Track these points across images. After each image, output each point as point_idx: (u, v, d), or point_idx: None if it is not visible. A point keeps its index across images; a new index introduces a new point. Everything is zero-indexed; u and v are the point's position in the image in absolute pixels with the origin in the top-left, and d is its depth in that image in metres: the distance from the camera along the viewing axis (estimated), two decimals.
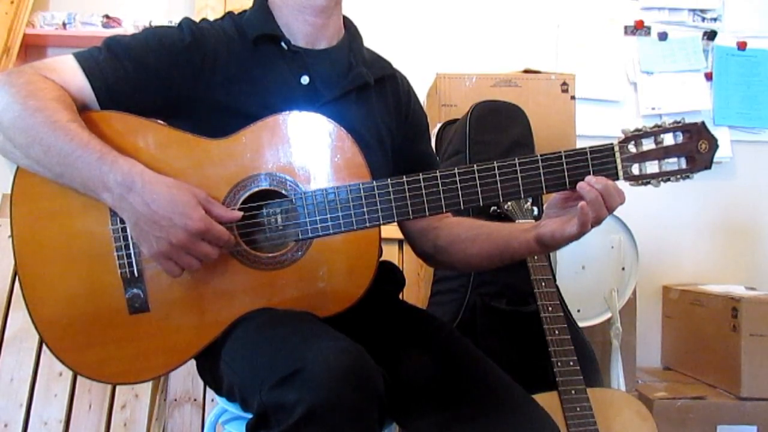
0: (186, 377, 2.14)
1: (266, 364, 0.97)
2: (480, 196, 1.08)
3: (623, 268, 2.23)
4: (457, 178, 1.08)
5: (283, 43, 1.22)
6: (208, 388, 2.11)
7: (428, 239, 1.31)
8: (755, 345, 2.25)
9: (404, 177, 1.09)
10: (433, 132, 2.14)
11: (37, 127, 1.01)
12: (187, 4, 2.70)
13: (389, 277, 1.33)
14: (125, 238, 1.08)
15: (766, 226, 2.92)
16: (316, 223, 1.09)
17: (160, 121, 1.15)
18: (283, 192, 1.11)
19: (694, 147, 1.09)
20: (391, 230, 1.77)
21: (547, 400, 1.49)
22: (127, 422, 2.06)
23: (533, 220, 1.67)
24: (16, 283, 2.05)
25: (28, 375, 2.05)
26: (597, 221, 1.04)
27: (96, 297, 1.09)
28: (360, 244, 1.12)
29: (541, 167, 1.07)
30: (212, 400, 2.12)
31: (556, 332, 1.63)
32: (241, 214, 1.08)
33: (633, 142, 1.09)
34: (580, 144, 1.19)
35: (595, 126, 2.71)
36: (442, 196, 1.08)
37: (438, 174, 1.08)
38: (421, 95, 2.25)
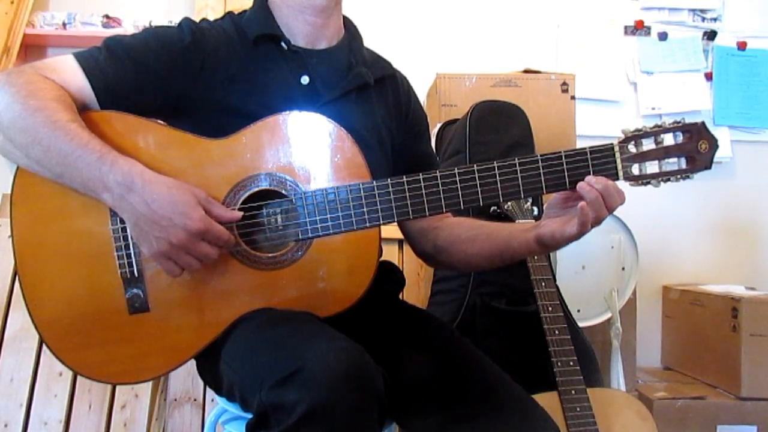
0: (186, 377, 2.14)
1: (266, 364, 0.97)
2: (480, 196, 1.08)
3: (623, 268, 2.23)
4: (457, 178, 1.08)
5: (283, 43, 1.22)
6: (208, 388, 2.11)
7: (428, 239, 1.31)
8: (755, 345, 2.25)
9: (404, 177, 1.09)
10: (433, 132, 2.14)
11: (37, 127, 1.01)
12: (187, 4, 2.70)
13: (389, 277, 1.33)
14: (125, 238, 1.08)
15: (766, 226, 2.92)
16: (316, 223, 1.09)
17: (160, 121, 1.15)
18: (283, 192, 1.11)
19: (694, 147, 1.09)
20: (391, 230, 1.77)
21: (547, 400, 1.49)
22: (127, 422, 2.06)
23: (533, 220, 1.67)
24: (16, 283, 2.05)
25: (28, 375, 2.05)
26: (597, 221, 1.04)
27: (96, 297, 1.09)
28: (360, 244, 1.12)
29: (541, 167, 1.07)
30: (212, 400, 2.12)
31: (556, 332, 1.63)
32: (241, 214, 1.08)
33: (633, 142, 1.09)
34: (580, 144, 1.19)
35: (595, 126, 2.71)
36: (442, 196, 1.08)
37: (438, 174, 1.08)
38: (421, 95, 2.25)
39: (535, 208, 1.71)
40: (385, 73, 1.33)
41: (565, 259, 2.14)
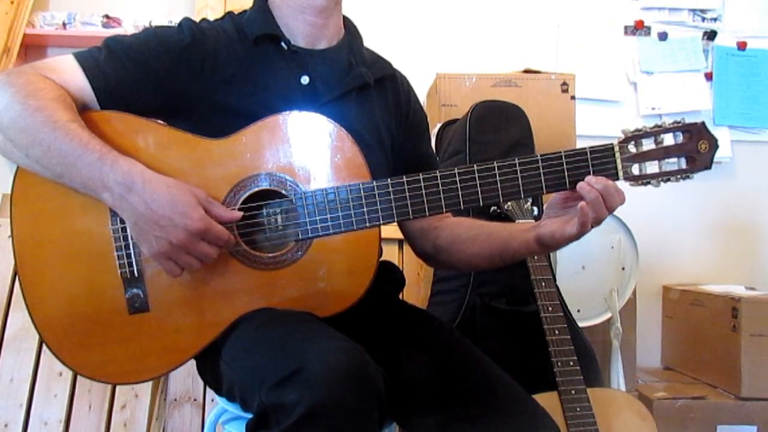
0: (186, 377, 2.14)
1: (266, 364, 0.97)
2: (480, 196, 1.08)
3: (623, 268, 2.23)
4: (457, 178, 1.08)
5: (283, 43, 1.22)
6: (208, 388, 2.11)
7: (428, 239, 1.31)
8: (755, 345, 2.25)
9: (404, 177, 1.09)
10: (433, 132, 2.14)
11: (37, 127, 1.01)
12: (187, 4, 2.70)
13: (389, 277, 1.33)
14: (125, 238, 1.08)
15: (766, 226, 2.92)
16: (316, 223, 1.09)
17: (160, 121, 1.15)
18: (283, 192, 1.11)
19: (694, 147, 1.09)
20: (391, 230, 1.77)
21: (547, 400, 1.49)
22: (127, 422, 2.06)
23: (533, 220, 1.67)
24: (16, 283, 2.05)
25: (28, 375, 2.05)
26: (597, 221, 1.04)
27: (96, 297, 1.09)
28: (360, 244, 1.12)
29: (541, 167, 1.07)
30: (212, 400, 2.12)
31: (556, 332, 1.63)
32: (241, 214, 1.08)
33: (633, 142, 1.09)
34: (580, 144, 1.19)
35: (595, 126, 2.71)
36: (442, 196, 1.08)
37: (438, 174, 1.08)
38: (421, 95, 2.24)
39: (535, 208, 1.71)
40: (385, 73, 1.33)
41: (565, 259, 2.14)
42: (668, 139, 1.09)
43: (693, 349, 2.56)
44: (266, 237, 1.13)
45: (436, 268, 1.90)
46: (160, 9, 2.72)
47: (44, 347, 1.44)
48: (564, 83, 2.25)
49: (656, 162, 1.09)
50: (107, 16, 2.59)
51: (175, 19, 1.33)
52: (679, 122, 1.09)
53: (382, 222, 1.10)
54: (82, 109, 1.09)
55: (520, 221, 1.67)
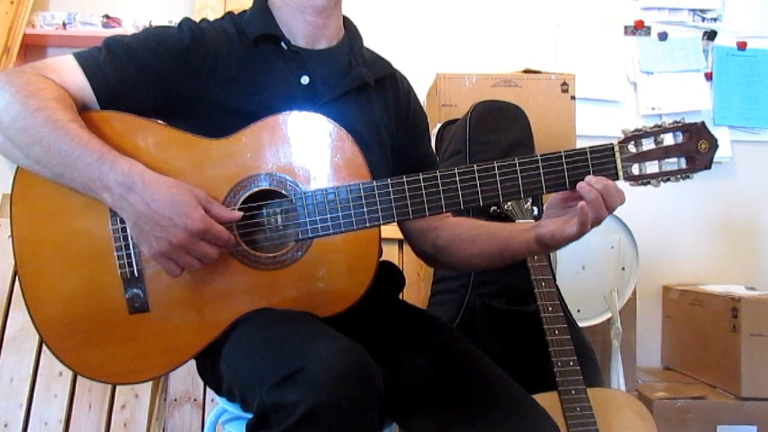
0: (186, 377, 2.14)
1: (266, 364, 0.97)
2: (480, 196, 1.08)
3: (623, 268, 2.23)
4: (457, 178, 1.08)
5: (283, 43, 1.22)
6: (208, 388, 2.11)
7: (428, 239, 1.31)
8: (755, 345, 2.25)
9: (404, 177, 1.09)
10: (433, 132, 2.14)
11: (37, 127, 1.01)
12: (187, 4, 2.70)
13: (389, 277, 1.33)
14: (125, 238, 1.08)
15: (766, 226, 2.92)
16: (316, 223, 1.09)
17: (160, 121, 1.15)
18: (283, 192, 1.11)
19: (694, 147, 1.09)
20: (391, 230, 1.77)
21: (547, 400, 1.49)
22: (127, 422, 2.06)
23: (533, 220, 1.67)
24: (16, 283, 2.05)
25: (28, 375, 2.05)
26: (597, 221, 1.04)
27: (96, 297, 1.09)
28: (360, 244, 1.12)
29: (541, 167, 1.07)
30: (212, 400, 2.12)
31: (556, 332, 1.63)
32: (241, 214, 1.08)
33: (633, 142, 1.09)
34: (580, 144, 1.19)
35: (595, 126, 2.71)
36: (442, 196, 1.08)
37: (438, 174, 1.08)
38: (421, 95, 2.25)
39: (535, 208, 1.71)
40: (385, 73, 1.33)
41: (565, 259, 2.14)
42: (668, 139, 1.09)
43: (693, 349, 2.56)
44: (266, 237, 1.13)
45: (436, 268, 1.90)
46: (160, 9, 2.72)
47: (44, 347, 1.44)
48: (564, 83, 2.25)
49: (656, 162, 1.09)
50: (107, 16, 2.59)
51: (175, 19, 1.33)
52: (679, 122, 1.09)
53: (382, 222, 1.10)
54: (82, 109, 1.09)
55: (520, 221, 1.67)
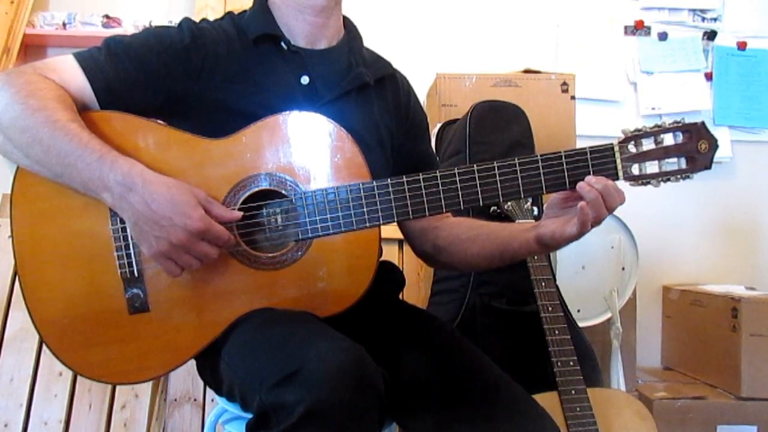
0: (186, 377, 2.14)
1: (266, 364, 0.97)
2: (480, 196, 1.08)
3: (623, 268, 2.23)
4: (457, 178, 1.08)
5: (283, 43, 1.22)
6: (208, 388, 2.11)
7: (428, 239, 1.31)
8: (755, 345, 2.25)
9: (404, 177, 1.09)
10: (433, 132, 2.14)
11: (37, 127, 1.01)
12: (187, 4, 2.70)
13: (389, 277, 1.33)
14: (125, 238, 1.08)
15: (766, 226, 2.92)
16: (316, 223, 1.09)
17: (160, 121, 1.15)
18: (283, 192, 1.11)
19: (694, 147, 1.09)
20: (391, 230, 1.77)
21: (547, 400, 1.49)
22: (127, 422, 2.06)
23: (533, 220, 1.67)
24: (16, 283, 2.05)
25: (28, 375, 2.05)
26: (597, 221, 1.04)
27: (96, 297, 1.09)
28: (360, 244, 1.12)
29: (541, 167, 1.07)
30: (212, 400, 2.12)
31: (556, 332, 1.63)
32: (241, 214, 1.08)
33: (633, 142, 1.09)
34: (580, 144, 1.19)
35: (595, 126, 2.71)
36: (442, 196, 1.08)
37: (438, 174, 1.08)
38: (421, 95, 2.25)
39: (535, 208, 1.71)
40: (385, 73, 1.33)
41: (565, 259, 2.14)
42: (668, 139, 1.09)
43: (693, 349, 2.56)
44: (266, 237, 1.13)
45: (436, 268, 1.90)
46: (160, 9, 2.72)
47: (44, 347, 1.44)
48: (564, 83, 2.25)
49: (656, 162, 1.09)
50: (107, 16, 2.59)
51: (175, 19, 1.33)
52: (679, 122, 1.09)
53: (382, 222, 1.10)
54: (82, 109, 1.09)
55: (520, 221, 1.67)
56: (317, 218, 1.09)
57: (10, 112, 1.02)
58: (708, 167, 1.09)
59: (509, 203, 1.69)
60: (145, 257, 1.07)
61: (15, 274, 2.10)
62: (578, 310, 2.13)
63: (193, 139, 1.12)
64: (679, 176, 1.09)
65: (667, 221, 2.86)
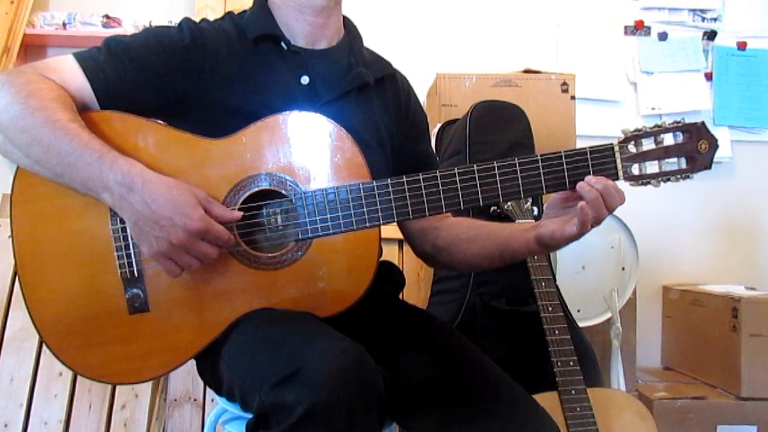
0: (186, 377, 2.14)
1: (266, 364, 0.97)
2: (480, 196, 1.08)
3: (623, 268, 2.23)
4: (457, 178, 1.08)
5: (283, 43, 1.22)
6: (208, 388, 2.11)
7: (428, 239, 1.31)
8: (755, 345, 2.25)
9: (404, 177, 1.09)
10: (433, 132, 2.14)
11: (37, 127, 1.01)
12: (187, 4, 2.70)
13: (389, 277, 1.33)
14: (125, 238, 1.08)
15: (766, 226, 2.92)
16: (316, 223, 1.09)
17: (160, 121, 1.15)
18: (283, 192, 1.11)
19: (694, 147, 1.09)
20: (391, 230, 1.77)
21: (547, 400, 1.49)
22: (127, 422, 2.06)
23: (533, 220, 1.67)
24: (16, 283, 2.05)
25: (28, 375, 2.05)
26: (597, 221, 1.04)
27: (96, 297, 1.09)
28: (360, 244, 1.12)
29: (541, 167, 1.07)
30: (212, 400, 2.12)
31: (556, 332, 1.63)
32: (241, 214, 1.08)
33: (633, 142, 1.09)
34: (580, 144, 1.19)
35: (595, 126, 2.71)
36: (442, 196, 1.08)
37: (438, 174, 1.08)
38: (421, 95, 2.24)
39: (535, 208, 1.71)
40: (385, 73, 1.33)
41: (565, 259, 2.14)
42: (668, 139, 1.09)
43: (693, 349, 2.57)
44: (266, 237, 1.13)
45: (436, 268, 1.90)
46: (160, 9, 2.72)
47: (44, 347, 1.44)
48: (564, 83, 2.25)
49: (656, 162, 1.09)
50: (107, 16, 2.59)
51: (175, 19, 1.33)
52: (679, 122, 1.09)
53: (382, 222, 1.10)
54: (82, 109, 1.09)
55: (520, 221, 1.67)
56: (317, 218, 1.09)
57: (10, 111, 1.02)
58: (708, 167, 1.09)
59: (509, 203, 1.69)
60: (145, 257, 1.07)
61: (15, 274, 2.10)
62: (578, 310, 2.13)
63: (193, 139, 1.12)
64: (679, 176, 1.09)
65: (667, 221, 2.86)
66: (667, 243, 2.85)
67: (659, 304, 2.79)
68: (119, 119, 1.10)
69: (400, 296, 1.41)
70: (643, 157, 1.08)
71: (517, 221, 1.67)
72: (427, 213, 1.09)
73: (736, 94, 2.87)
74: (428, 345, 1.21)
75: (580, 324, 1.97)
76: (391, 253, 2.27)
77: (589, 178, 1.05)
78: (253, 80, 1.19)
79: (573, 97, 2.25)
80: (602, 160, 1.07)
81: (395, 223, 1.16)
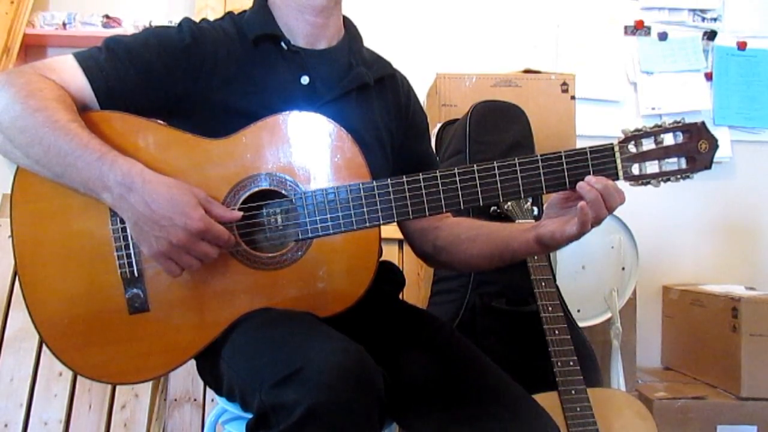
0: (186, 377, 2.14)
1: (266, 364, 0.97)
2: (480, 196, 1.08)
3: (623, 268, 2.23)
4: (457, 178, 1.08)
5: (282, 43, 1.22)
6: (208, 388, 2.11)
7: (428, 239, 1.31)
8: (755, 345, 2.25)
9: (404, 177, 1.09)
10: (433, 132, 2.14)
11: (37, 127, 1.01)
12: (187, 4, 2.70)
13: (389, 277, 1.33)
14: (125, 238, 1.08)
15: (766, 226, 2.92)
16: (316, 223, 1.09)
17: (160, 121, 1.15)
18: (283, 192, 1.11)
19: (694, 147, 1.09)
20: (391, 230, 1.77)
21: (547, 400, 1.49)
22: (127, 422, 2.06)
23: (533, 220, 1.67)
24: (16, 283, 2.05)
25: (28, 375, 2.06)
26: (597, 221, 1.04)
27: (96, 297, 1.09)
28: (360, 244, 1.12)
29: (541, 167, 1.07)
30: (212, 400, 2.12)
31: (556, 332, 1.63)
32: (241, 214, 1.08)
33: (633, 142, 1.09)
34: (580, 144, 1.19)
35: (595, 126, 2.71)
36: (442, 196, 1.08)
37: (438, 174, 1.08)
38: (421, 95, 2.25)
39: (535, 208, 1.71)
40: (385, 73, 1.33)
41: (565, 259, 2.14)
42: (668, 139, 1.09)
43: (693, 349, 2.57)
44: (266, 237, 1.13)
45: (436, 268, 1.90)
46: (160, 9, 2.72)
47: (44, 347, 1.44)
48: (564, 83, 2.25)
49: (656, 162, 1.09)
50: (107, 16, 2.59)
51: (175, 19, 1.33)
52: (679, 122, 1.09)
53: (382, 222, 1.10)
54: (82, 109, 1.09)
55: (520, 221, 1.67)
56: (317, 218, 1.09)
57: (11, 112, 1.02)
58: (708, 167, 1.10)
59: (509, 203, 1.69)
60: (145, 257, 1.07)
61: (15, 274, 2.10)
62: (578, 310, 2.13)
63: (193, 139, 1.12)
64: (679, 176, 1.09)
65: (667, 221, 2.86)
66: (667, 243, 2.85)
67: (659, 304, 2.79)
68: (119, 119, 1.10)
69: (400, 296, 1.41)
70: (643, 157, 1.08)
71: (517, 221, 1.67)
72: (427, 213, 1.09)
73: (736, 94, 2.88)
74: (428, 345, 1.21)
75: (580, 324, 1.97)
76: (391, 253, 2.27)
77: (589, 178, 1.05)
78: (253, 80, 1.19)
79: (573, 97, 2.25)
80: (602, 160, 1.07)
81: (395, 223, 1.16)
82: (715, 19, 2.89)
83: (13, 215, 1.10)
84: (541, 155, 1.08)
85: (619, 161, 1.07)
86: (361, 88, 1.26)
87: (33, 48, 2.62)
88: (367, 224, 1.09)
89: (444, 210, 1.10)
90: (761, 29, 2.89)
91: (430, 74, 2.31)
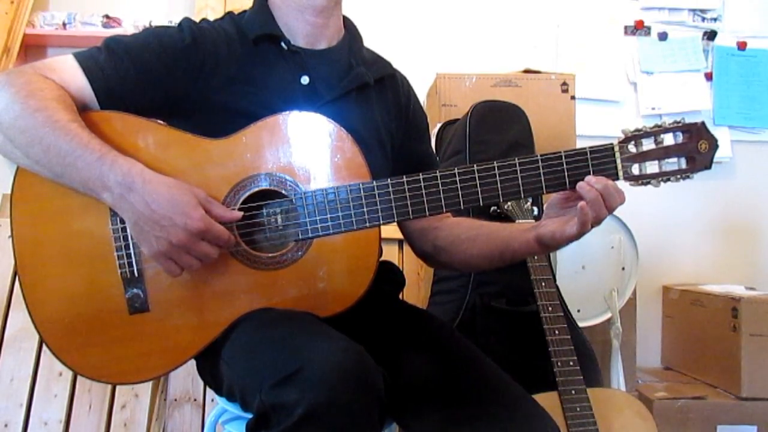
0: (186, 377, 2.14)
1: (266, 364, 0.97)
2: (480, 196, 1.08)
3: (623, 268, 2.23)
4: (457, 178, 1.08)
5: (283, 43, 1.22)
6: (208, 388, 2.11)
7: (428, 239, 1.31)
8: (755, 345, 2.25)
9: (404, 177, 1.09)
10: (433, 132, 2.14)
11: (37, 127, 1.01)
12: (187, 4, 2.70)
13: (389, 277, 1.33)
14: (125, 238, 1.08)
15: (766, 226, 2.92)
16: (316, 223, 1.09)
17: (160, 121, 1.15)
18: (283, 192, 1.11)
19: (694, 147, 1.09)
20: (391, 230, 1.77)
21: (547, 400, 1.49)
22: (127, 422, 2.06)
23: (533, 220, 1.67)
24: (16, 283, 2.05)
25: (28, 375, 2.05)
26: (597, 221, 1.04)
27: (96, 297, 1.09)
28: (360, 244, 1.12)
29: (541, 167, 1.07)
30: (212, 400, 2.12)
31: (556, 332, 1.63)
32: (241, 214, 1.08)
33: (633, 142, 1.09)
34: (580, 144, 1.19)
35: (595, 126, 2.71)
36: (442, 196, 1.08)
37: (438, 174, 1.08)
38: (421, 95, 2.25)
39: (535, 208, 1.71)
40: (385, 73, 1.33)
41: (565, 259, 2.14)
42: (668, 139, 1.09)
43: (693, 349, 2.57)
44: (266, 237, 1.13)
45: (436, 268, 1.90)
46: (160, 9, 2.72)
47: (44, 347, 1.44)
48: (564, 83, 2.25)
49: (656, 162, 1.09)
50: (107, 16, 2.59)
51: (175, 19, 1.33)
52: (679, 122, 1.09)
53: (382, 222, 1.10)
54: (82, 109, 1.09)
55: (520, 221, 1.67)
56: (317, 218, 1.09)
57: (11, 112, 1.02)
58: (708, 167, 1.10)
59: (509, 203, 1.69)
60: (146, 257, 1.07)
61: (15, 274, 2.10)
62: (578, 310, 2.13)
63: (193, 139, 1.12)
64: (679, 176, 1.09)
65: (667, 221, 2.86)
66: (667, 243, 2.85)
67: (659, 304, 2.79)
68: (119, 119, 1.10)
69: (400, 296, 1.41)
70: (643, 157, 1.08)
71: (517, 221, 1.67)
72: (427, 213, 1.09)
73: (736, 94, 2.88)
74: (428, 345, 1.21)
75: (580, 324, 1.97)
76: (391, 253, 2.27)
77: (589, 178, 1.05)
78: (253, 80, 1.19)
79: (573, 97, 2.25)
80: (602, 160, 1.07)
81: (395, 223, 1.16)
82: (715, 19, 2.89)
83: (13, 215, 1.10)
84: (541, 155, 1.08)
85: (619, 161, 1.07)
86: (361, 88, 1.26)
87: (33, 48, 2.62)
88: (367, 224, 1.09)
89: (444, 210, 1.10)
90: (761, 29, 2.89)
91: (430, 74, 2.31)
